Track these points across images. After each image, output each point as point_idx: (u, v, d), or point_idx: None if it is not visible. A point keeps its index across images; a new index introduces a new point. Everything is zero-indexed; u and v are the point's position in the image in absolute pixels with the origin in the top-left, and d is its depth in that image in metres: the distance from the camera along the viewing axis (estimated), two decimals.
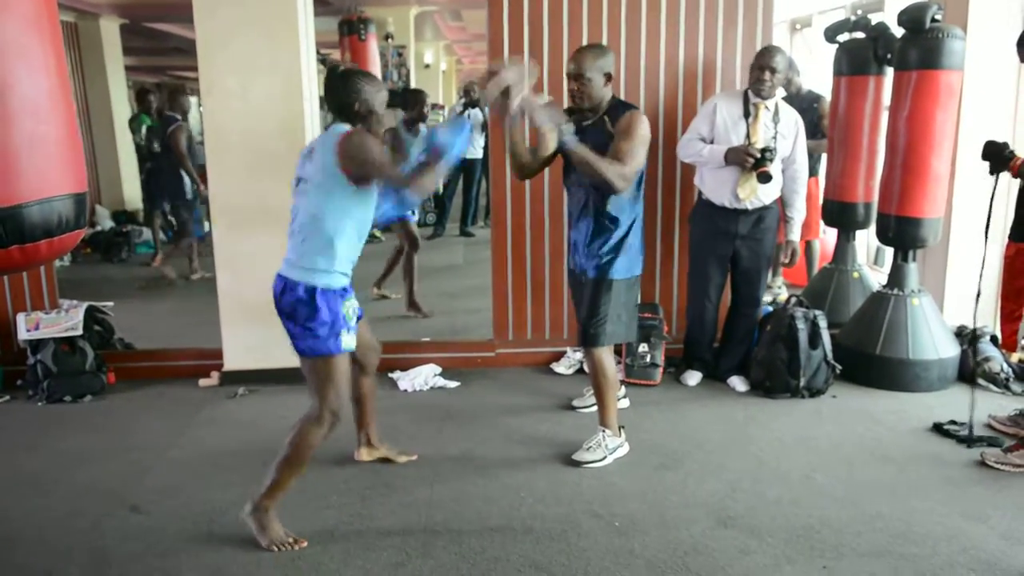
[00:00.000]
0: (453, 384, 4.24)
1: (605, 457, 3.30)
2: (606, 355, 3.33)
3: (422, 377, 4.27)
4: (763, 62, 3.82)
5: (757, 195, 3.89)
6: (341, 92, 2.70)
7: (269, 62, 3.94)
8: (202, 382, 4.28)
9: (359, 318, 2.90)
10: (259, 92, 3.96)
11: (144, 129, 7.31)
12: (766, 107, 3.87)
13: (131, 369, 4.39)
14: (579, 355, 4.46)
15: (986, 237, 3.41)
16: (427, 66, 11.66)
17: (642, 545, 2.70)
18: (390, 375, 4.35)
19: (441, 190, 8.88)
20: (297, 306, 2.66)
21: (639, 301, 3.57)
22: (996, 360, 4.13)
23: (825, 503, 2.98)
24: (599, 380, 3.35)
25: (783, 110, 3.92)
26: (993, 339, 4.25)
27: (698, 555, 2.65)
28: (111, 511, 2.98)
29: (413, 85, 9.49)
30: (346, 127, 2.68)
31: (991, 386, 4.06)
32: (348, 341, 2.70)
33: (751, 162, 3.77)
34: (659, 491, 3.09)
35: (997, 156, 3.25)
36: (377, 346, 3.19)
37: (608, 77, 3.18)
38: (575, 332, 4.51)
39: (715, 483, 3.14)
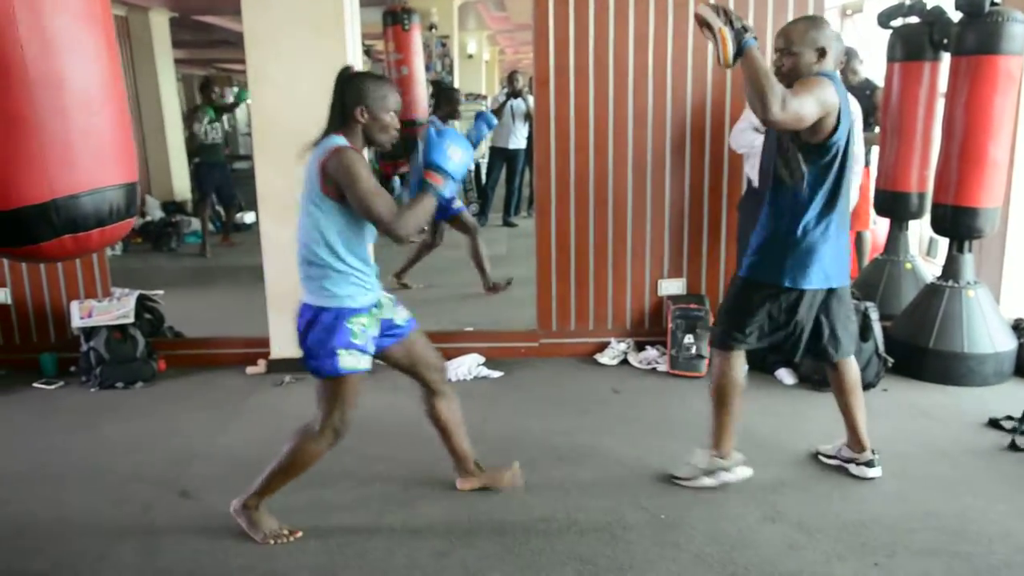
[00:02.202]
0: (496, 374, 4.24)
1: (697, 477, 2.99)
2: (720, 360, 2.95)
3: (465, 367, 4.27)
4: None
5: None
6: (341, 95, 2.53)
7: (315, 53, 3.96)
8: (249, 370, 4.34)
9: (408, 331, 2.76)
10: (305, 83, 3.96)
11: (207, 120, 7.46)
12: None
13: (180, 357, 4.47)
14: (623, 346, 4.43)
15: None
16: (470, 56, 11.64)
17: (688, 538, 2.67)
18: None
19: (484, 180, 8.89)
20: (306, 328, 2.55)
21: (798, 326, 2.86)
22: None
23: (876, 499, 2.92)
24: (712, 389, 2.99)
25: None
26: None
27: (745, 549, 2.61)
28: (161, 496, 3.03)
29: (456, 75, 9.50)
30: (337, 141, 2.48)
31: None
32: (348, 361, 2.52)
33: None
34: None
35: None
36: (436, 364, 2.87)
37: (821, 52, 2.69)
38: (620, 322, 4.51)
39: (762, 477, 3.07)
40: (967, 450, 3.31)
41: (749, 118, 3.87)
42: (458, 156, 2.49)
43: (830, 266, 2.78)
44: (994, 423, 3.51)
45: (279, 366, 4.28)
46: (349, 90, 2.53)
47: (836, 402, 3.06)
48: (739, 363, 2.95)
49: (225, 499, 2.96)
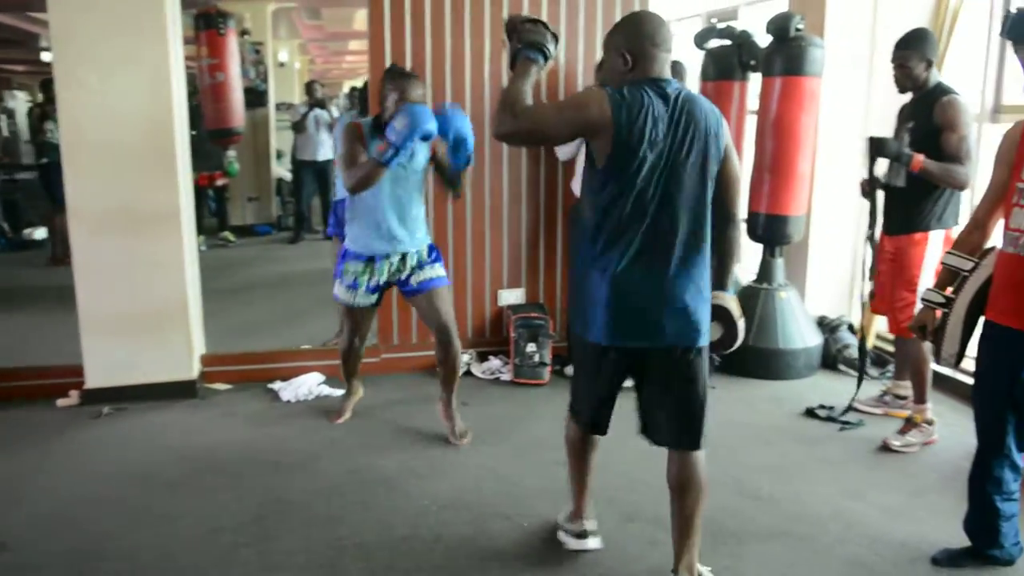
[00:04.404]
0: (339, 392, 4.09)
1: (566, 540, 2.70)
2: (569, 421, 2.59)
3: (306, 387, 4.10)
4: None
5: None
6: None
7: (134, 55, 3.66)
8: (60, 402, 3.92)
9: (420, 291, 3.38)
10: (123, 88, 3.67)
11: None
12: None
13: None
14: (466, 357, 4.43)
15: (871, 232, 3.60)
16: (282, 64, 11.23)
17: (554, 544, 2.70)
18: (270, 386, 4.16)
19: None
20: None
21: (596, 381, 2.44)
22: (854, 347, 4.43)
23: (719, 491, 3.04)
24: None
25: None
26: (850, 327, 4.57)
27: (609, 550, 2.68)
28: None
29: (271, 84, 9.17)
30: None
31: (850, 371, 4.35)
32: (338, 290, 3.42)
33: None
34: (561, 489, 3.05)
35: (896, 155, 3.29)
36: (434, 323, 3.41)
37: (624, 59, 2.20)
38: (462, 333, 4.48)
39: (613, 478, 3.16)
40: (791, 438, 3.60)
41: None
42: (400, 124, 2.95)
43: (619, 320, 2.23)
44: (810, 412, 3.83)
45: (95, 396, 3.90)
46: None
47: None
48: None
49: (51, 547, 2.67)
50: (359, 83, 8.48)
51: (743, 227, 2.55)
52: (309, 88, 8.58)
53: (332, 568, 2.57)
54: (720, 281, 2.37)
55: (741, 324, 2.39)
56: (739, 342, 2.41)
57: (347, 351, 3.65)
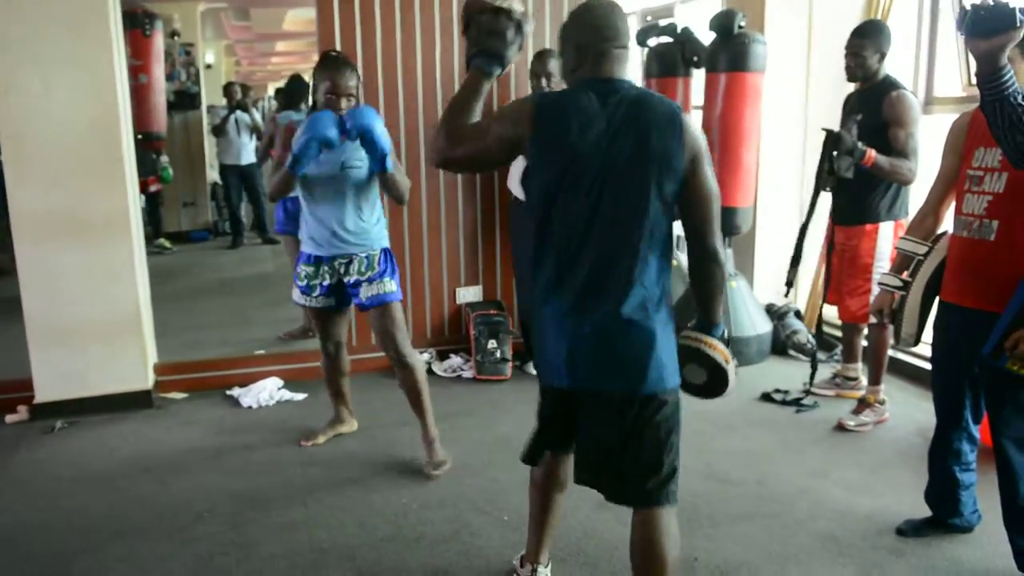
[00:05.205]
0: (300, 396, 4.05)
1: None
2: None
3: (266, 392, 4.04)
4: (535, 68, 3.93)
5: None
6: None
7: (77, 57, 3.56)
8: (9, 418, 3.78)
9: (367, 307, 3.17)
10: (66, 90, 3.56)
11: None
12: None
13: None
14: (426, 356, 4.43)
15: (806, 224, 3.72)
16: (209, 66, 10.97)
17: None
18: (228, 392, 4.08)
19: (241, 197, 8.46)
20: None
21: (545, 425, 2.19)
22: (802, 332, 4.59)
23: (688, 476, 3.09)
24: None
25: None
26: (797, 314, 4.73)
27: (590, 539, 2.73)
28: None
29: (203, 86, 8.95)
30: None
31: (800, 356, 4.50)
32: (294, 293, 3.27)
33: None
34: None
35: (851, 150, 3.32)
36: (384, 344, 3.24)
37: (571, 55, 1.96)
38: (420, 332, 4.49)
39: None
40: (751, 422, 3.71)
41: None
42: (299, 131, 2.92)
43: (555, 356, 1.96)
44: (766, 397, 3.96)
45: (46, 411, 3.77)
46: None
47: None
48: (545, 462, 2.27)
49: (13, 568, 2.58)
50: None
51: (727, 261, 2.07)
52: (228, 90, 8.37)
53: (317, 571, 2.56)
54: (702, 319, 2.06)
55: (730, 368, 2.06)
56: (730, 388, 2.10)
57: (325, 363, 3.46)
